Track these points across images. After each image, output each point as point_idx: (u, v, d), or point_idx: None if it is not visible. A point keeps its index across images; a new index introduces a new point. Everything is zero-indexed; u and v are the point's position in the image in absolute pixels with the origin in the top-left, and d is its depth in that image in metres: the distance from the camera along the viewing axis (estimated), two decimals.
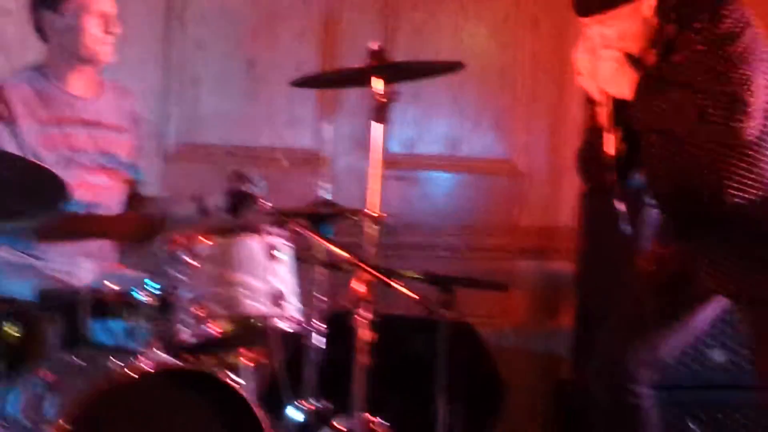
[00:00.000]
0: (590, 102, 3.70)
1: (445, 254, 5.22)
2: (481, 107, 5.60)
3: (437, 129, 5.50)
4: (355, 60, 5.12)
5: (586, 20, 3.61)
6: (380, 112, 3.93)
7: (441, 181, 5.55)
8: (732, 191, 3.58)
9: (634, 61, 3.59)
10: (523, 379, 5.19)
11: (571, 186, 5.52)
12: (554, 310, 5.48)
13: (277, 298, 3.62)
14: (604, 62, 3.59)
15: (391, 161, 5.35)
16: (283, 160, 4.03)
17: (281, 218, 3.77)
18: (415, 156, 5.34)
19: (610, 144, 3.57)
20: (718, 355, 4.13)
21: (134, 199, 4.26)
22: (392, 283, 3.61)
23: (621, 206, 3.55)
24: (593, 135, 3.67)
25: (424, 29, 5.37)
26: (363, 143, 5.35)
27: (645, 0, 3.57)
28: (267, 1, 5.26)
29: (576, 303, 4.38)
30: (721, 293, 3.74)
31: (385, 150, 3.99)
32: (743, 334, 4.02)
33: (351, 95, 5.30)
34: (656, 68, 3.59)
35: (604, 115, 3.61)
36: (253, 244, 3.66)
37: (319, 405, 3.89)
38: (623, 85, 3.57)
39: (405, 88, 4.01)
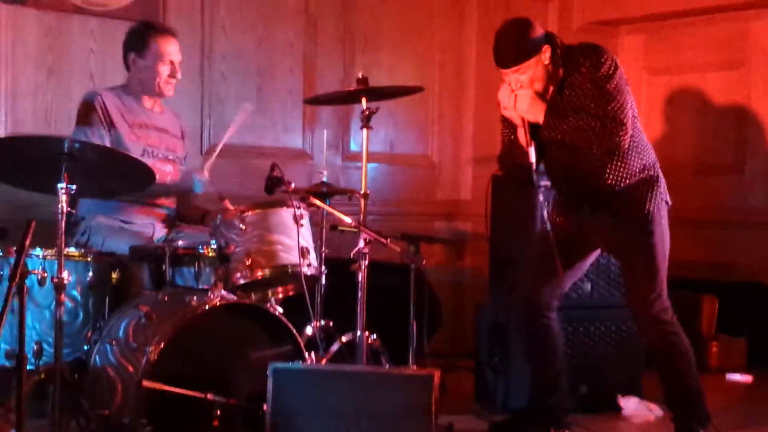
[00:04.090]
0: (510, 125, 3.33)
1: (390, 218, 4.82)
2: (408, 121, 5.18)
3: (380, 135, 5.04)
4: (325, 88, 4.79)
5: (505, 71, 3.24)
6: (366, 121, 3.52)
7: (384, 170, 5.10)
8: (609, 180, 3.28)
9: (540, 96, 3.24)
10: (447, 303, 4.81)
11: (468, 173, 5.33)
12: (461, 255, 5.15)
13: (303, 252, 3.22)
14: (521, 98, 3.22)
15: (353, 156, 5.01)
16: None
17: (302, 195, 3.36)
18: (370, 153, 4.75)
19: (531, 155, 3.21)
20: (587, 287, 3.83)
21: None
22: (383, 241, 3.22)
23: (540, 197, 3.22)
24: (515, 148, 3.30)
25: (371, 68, 4.90)
26: (334, 144, 5.05)
27: (543, 53, 3.21)
28: (266, 45, 4.74)
29: (489, 250, 4.00)
30: (601, 247, 3.44)
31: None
32: (610, 273, 3.81)
33: (325, 111, 4.88)
34: (554, 100, 3.25)
35: (523, 134, 3.24)
36: (284, 213, 3.27)
37: (324, 324, 3.47)
38: (536, 113, 3.22)
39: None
